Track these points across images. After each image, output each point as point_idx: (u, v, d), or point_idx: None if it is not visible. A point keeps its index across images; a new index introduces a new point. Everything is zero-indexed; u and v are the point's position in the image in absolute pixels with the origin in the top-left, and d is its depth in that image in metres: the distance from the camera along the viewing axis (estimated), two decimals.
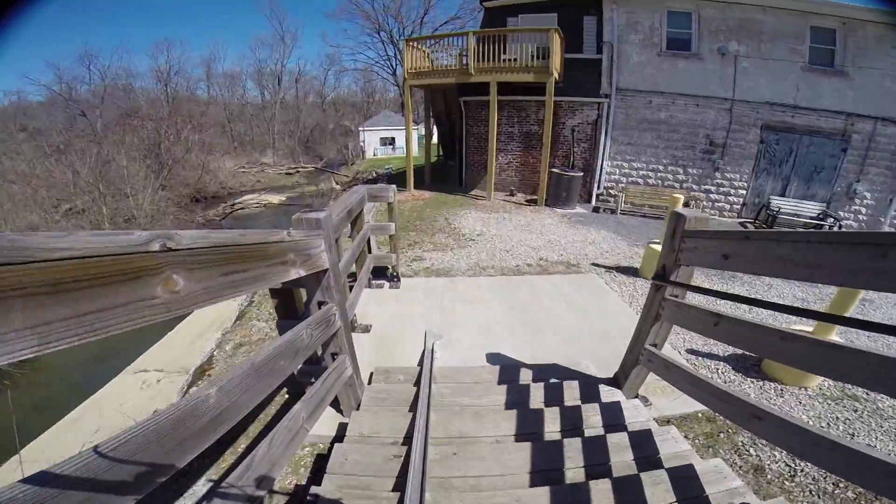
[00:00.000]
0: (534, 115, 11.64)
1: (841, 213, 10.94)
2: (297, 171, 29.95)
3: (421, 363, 3.64)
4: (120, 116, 24.05)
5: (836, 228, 10.56)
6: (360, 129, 37.36)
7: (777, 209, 10.64)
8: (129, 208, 16.23)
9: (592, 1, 11.02)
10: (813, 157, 11.07)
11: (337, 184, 17.83)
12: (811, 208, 10.86)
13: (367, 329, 4.18)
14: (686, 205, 10.77)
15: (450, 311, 4.61)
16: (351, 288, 4.34)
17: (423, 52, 11.75)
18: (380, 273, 5.34)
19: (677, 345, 4.29)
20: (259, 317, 5.39)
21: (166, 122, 21.23)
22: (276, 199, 23.49)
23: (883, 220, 10.76)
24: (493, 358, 3.85)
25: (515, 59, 10.31)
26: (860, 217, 11.02)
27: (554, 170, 10.79)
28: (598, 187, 11.61)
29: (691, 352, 4.21)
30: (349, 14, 54.01)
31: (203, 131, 23.26)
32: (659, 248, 5.99)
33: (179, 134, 21.18)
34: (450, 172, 15.19)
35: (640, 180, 11.51)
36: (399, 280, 5.17)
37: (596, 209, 11.05)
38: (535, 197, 11.37)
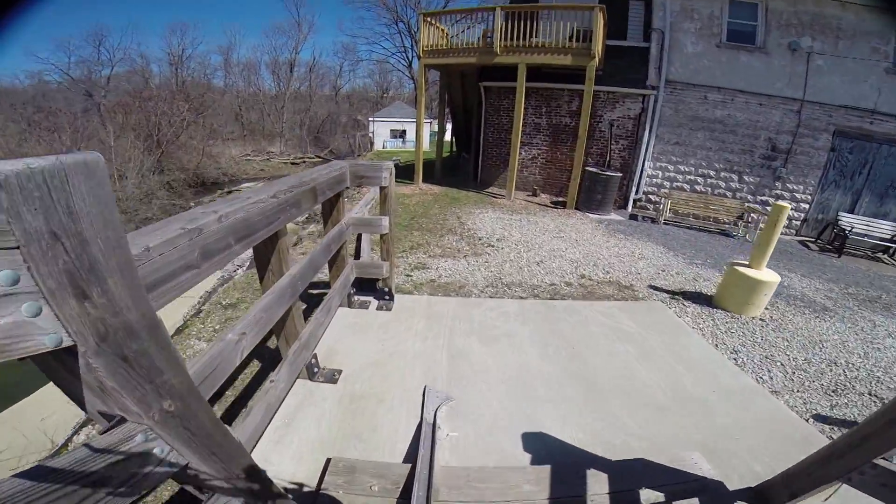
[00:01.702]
0: (566, 106, 10.11)
1: None
2: (304, 161, 28.51)
3: (412, 456, 2.14)
4: (120, 96, 22.87)
5: None
6: (369, 119, 35.89)
7: (848, 227, 8.99)
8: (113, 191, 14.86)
9: None
10: (891, 169, 9.42)
11: None
12: (886, 228, 9.21)
13: (332, 378, 2.68)
14: (740, 217, 9.22)
15: (463, 353, 3.10)
16: (310, 311, 2.86)
17: (441, 30, 10.28)
18: (367, 286, 3.86)
19: (796, 405, 2.97)
20: (201, 334, 4.00)
21: (165, 102, 19.91)
22: None
23: None
24: (533, 442, 2.34)
25: (548, 43, 8.81)
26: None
27: (589, 168, 9.25)
28: (637, 192, 10.03)
29: (820, 419, 2.94)
30: (367, 2, 52.86)
31: (201, 113, 21.93)
32: (747, 272, 4.46)
33: (179, 115, 19.85)
34: (463, 167, 13.70)
35: (686, 186, 9.92)
36: (392, 298, 3.67)
37: (633, 216, 9.47)
38: (562, 199, 9.84)
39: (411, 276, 4.61)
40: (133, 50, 44.39)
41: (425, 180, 11.17)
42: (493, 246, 6.04)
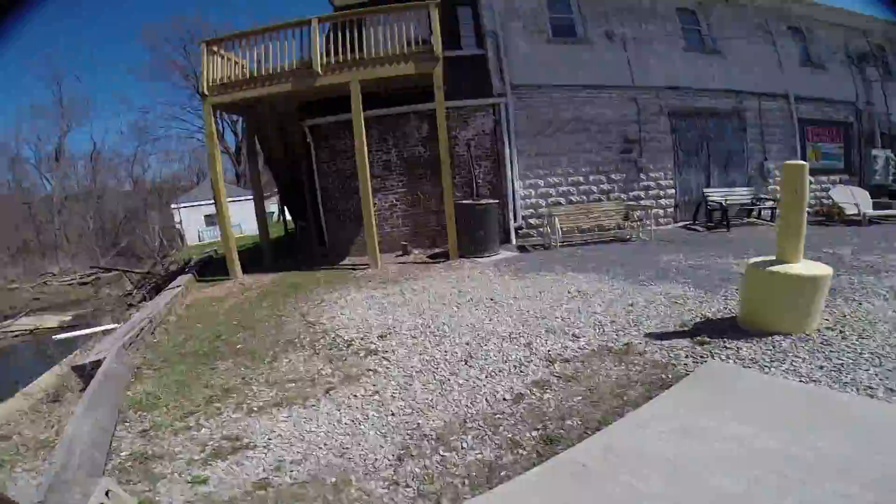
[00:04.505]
0: (415, 133, 8.27)
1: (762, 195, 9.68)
2: (97, 278, 21.52)
3: None
4: None
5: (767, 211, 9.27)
6: (173, 206, 28.28)
7: (723, 201, 8.80)
8: None
9: None
10: (722, 141, 9.91)
11: (132, 285, 11.61)
12: (744, 193, 9.51)
13: None
14: (626, 218, 8.38)
15: None
16: None
17: (236, 61, 7.55)
18: None
19: None
20: None
21: None
22: (53, 320, 16.14)
23: None
24: None
25: (384, 52, 6.89)
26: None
27: (461, 202, 7.46)
28: (515, 219, 8.52)
29: None
30: (161, 72, 45.81)
31: None
32: (790, 270, 2.84)
33: None
34: (304, 241, 10.59)
35: (561, 200, 8.78)
36: None
37: (521, 248, 7.90)
38: (440, 249, 7.73)
39: (197, 481, 1.79)
40: None
41: (251, 270, 7.87)
42: (375, 353, 3.45)
